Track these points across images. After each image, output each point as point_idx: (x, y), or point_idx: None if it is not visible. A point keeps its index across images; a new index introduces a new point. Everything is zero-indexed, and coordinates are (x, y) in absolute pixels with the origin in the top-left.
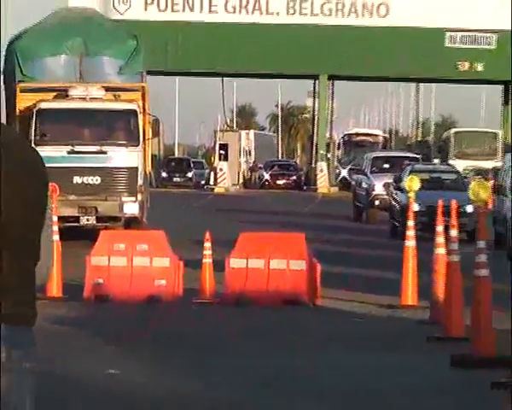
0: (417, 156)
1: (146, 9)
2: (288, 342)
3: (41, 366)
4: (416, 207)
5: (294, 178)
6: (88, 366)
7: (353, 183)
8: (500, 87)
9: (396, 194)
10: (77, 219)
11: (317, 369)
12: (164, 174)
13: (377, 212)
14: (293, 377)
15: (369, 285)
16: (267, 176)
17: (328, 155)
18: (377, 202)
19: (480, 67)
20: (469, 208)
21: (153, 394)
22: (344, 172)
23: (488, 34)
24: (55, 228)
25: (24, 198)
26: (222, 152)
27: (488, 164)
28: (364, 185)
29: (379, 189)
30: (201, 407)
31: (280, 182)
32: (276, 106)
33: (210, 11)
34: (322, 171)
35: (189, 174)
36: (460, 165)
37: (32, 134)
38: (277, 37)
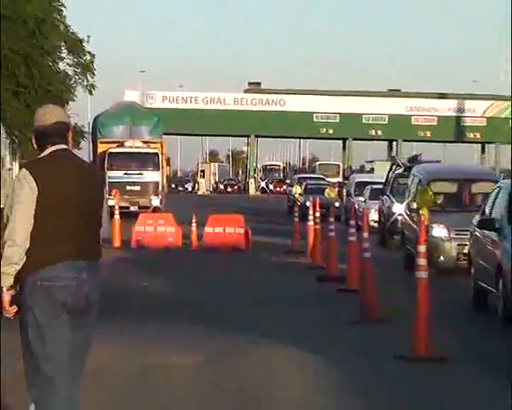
0: (321, 176)
1: (163, 102)
2: (234, 267)
3: (104, 279)
4: (307, 202)
5: (236, 187)
6: (132, 280)
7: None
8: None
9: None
10: (128, 208)
11: (247, 280)
12: (172, 185)
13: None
14: (233, 285)
15: (280, 244)
16: (222, 186)
17: (255, 175)
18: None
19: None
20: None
21: (168, 296)
22: (263, 184)
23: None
24: (117, 213)
25: (92, 196)
26: (201, 174)
27: (335, 179)
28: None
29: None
30: (190, 301)
31: (229, 189)
32: (229, 151)
33: (195, 102)
34: (251, 183)
35: (186, 186)
36: None
37: (106, 164)
38: (230, 117)
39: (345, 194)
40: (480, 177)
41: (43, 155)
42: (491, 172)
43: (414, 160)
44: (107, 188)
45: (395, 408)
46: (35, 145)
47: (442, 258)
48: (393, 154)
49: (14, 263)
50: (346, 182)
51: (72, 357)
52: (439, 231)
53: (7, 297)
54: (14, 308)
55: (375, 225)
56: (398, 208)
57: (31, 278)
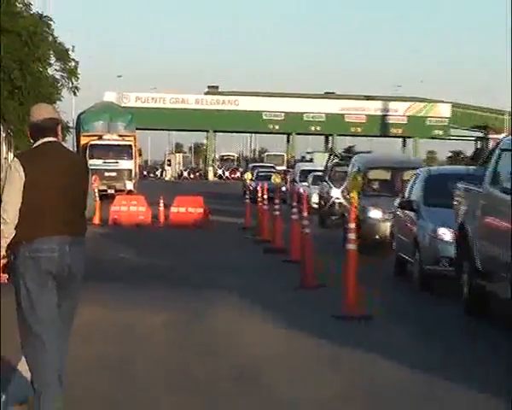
0: (271, 165)
1: (136, 102)
2: (194, 241)
3: (87, 251)
4: (258, 187)
5: (198, 174)
6: (109, 252)
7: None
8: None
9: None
10: (106, 191)
11: (206, 251)
12: (144, 172)
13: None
14: (194, 256)
15: (234, 222)
16: (186, 174)
17: (213, 164)
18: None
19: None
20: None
21: (141, 264)
22: (219, 171)
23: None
24: (97, 195)
25: (77, 181)
26: (168, 162)
27: (281, 168)
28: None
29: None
30: (159, 269)
31: (192, 176)
32: (191, 143)
33: (163, 102)
34: (210, 171)
35: (156, 173)
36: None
37: (87, 154)
38: (192, 115)
39: (289, 180)
40: (409, 165)
41: (34, 145)
42: (419, 161)
43: (349, 151)
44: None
45: (336, 348)
46: (30, 137)
47: (377, 237)
48: (331, 146)
49: (5, 237)
50: (291, 170)
51: (58, 319)
52: (375, 213)
53: (3, 260)
54: (6, 276)
55: (317, 206)
56: (336, 192)
57: (22, 249)
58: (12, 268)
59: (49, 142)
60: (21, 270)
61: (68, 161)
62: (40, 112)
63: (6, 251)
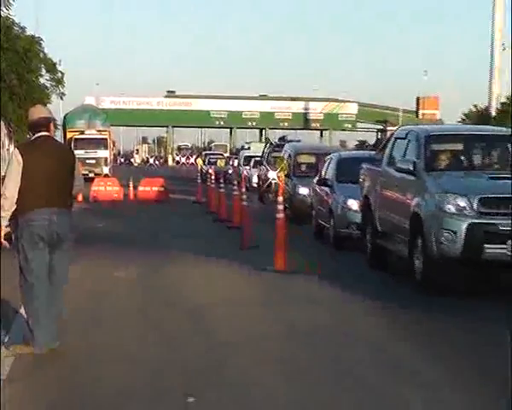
0: (220, 152)
1: (110, 104)
2: (159, 213)
3: (72, 222)
4: (209, 170)
5: (162, 161)
6: (90, 222)
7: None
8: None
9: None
10: (87, 175)
11: (166, 221)
12: (118, 160)
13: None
14: (158, 224)
15: (188, 199)
16: (152, 160)
17: (172, 153)
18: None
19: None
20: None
21: (116, 232)
22: (177, 158)
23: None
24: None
25: (64, 166)
26: (136, 151)
27: (226, 155)
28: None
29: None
30: (130, 235)
31: (157, 162)
32: (155, 137)
33: (131, 104)
34: (170, 158)
35: (128, 160)
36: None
37: (72, 146)
38: (155, 114)
39: (235, 164)
40: (329, 151)
41: (31, 139)
42: (337, 148)
43: (282, 139)
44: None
45: (267, 295)
46: (29, 132)
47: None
48: (267, 136)
49: (6, 210)
50: (232, 156)
51: (50, 272)
52: (303, 190)
53: (2, 232)
54: (6, 243)
55: (256, 186)
56: (272, 174)
57: (20, 218)
58: (16, 233)
59: (43, 136)
60: (19, 235)
61: (58, 151)
62: (36, 112)
63: (9, 222)
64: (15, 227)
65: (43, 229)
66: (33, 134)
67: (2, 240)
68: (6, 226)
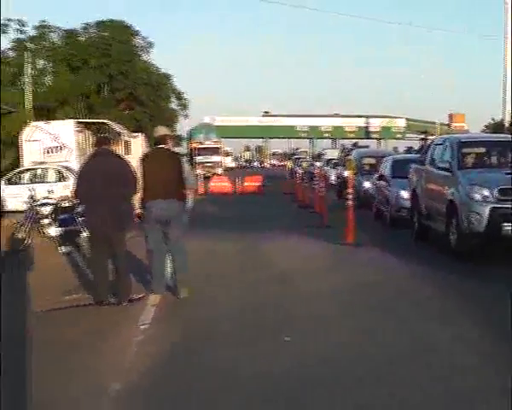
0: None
1: (222, 122)
2: (257, 201)
3: (196, 207)
4: (299, 170)
5: (262, 163)
6: (205, 208)
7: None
8: None
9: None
10: (207, 173)
11: (261, 208)
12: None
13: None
14: (257, 208)
15: (279, 191)
16: (256, 164)
17: (268, 157)
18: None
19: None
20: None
21: (223, 215)
22: (272, 161)
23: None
24: (202, 177)
25: (173, 169)
26: (242, 156)
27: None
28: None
29: (288, 165)
30: (231, 218)
31: (260, 165)
32: (255, 146)
33: (235, 122)
34: (266, 161)
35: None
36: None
37: (194, 154)
38: (256, 129)
39: (317, 165)
40: (385, 155)
41: (151, 150)
42: (391, 153)
43: (354, 145)
44: (196, 164)
45: (338, 265)
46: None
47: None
48: (342, 143)
49: (138, 199)
50: (312, 160)
51: (166, 241)
52: (366, 184)
53: (138, 212)
54: (138, 220)
55: (334, 183)
56: (346, 173)
57: (144, 205)
58: (143, 215)
59: (160, 148)
60: (143, 217)
61: (168, 159)
62: (157, 131)
63: (140, 207)
64: (142, 212)
65: (157, 214)
66: (155, 146)
67: (136, 217)
68: (137, 209)
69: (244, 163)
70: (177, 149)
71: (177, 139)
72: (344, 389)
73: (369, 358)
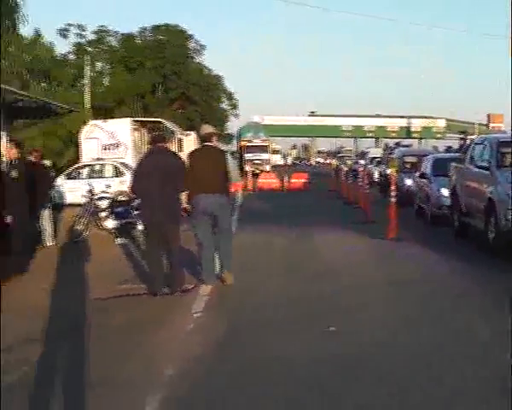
0: (348, 155)
1: (270, 121)
2: (304, 197)
3: (244, 203)
4: (344, 168)
5: (308, 161)
6: (252, 203)
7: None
8: None
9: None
10: (255, 171)
11: (307, 203)
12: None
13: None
14: (303, 204)
15: (325, 188)
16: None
17: (314, 155)
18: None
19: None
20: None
21: (272, 210)
22: (317, 159)
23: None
24: (251, 174)
25: (217, 165)
26: (289, 153)
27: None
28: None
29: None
30: (278, 213)
31: (307, 162)
32: (302, 144)
33: (284, 121)
34: (312, 159)
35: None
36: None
37: (244, 151)
38: (303, 128)
39: (361, 163)
40: (426, 153)
41: (197, 147)
42: (431, 151)
43: (397, 144)
44: (245, 161)
45: (380, 259)
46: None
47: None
48: (385, 142)
49: (184, 196)
50: (356, 158)
51: (216, 231)
52: (408, 181)
53: (186, 206)
54: (185, 214)
55: (377, 180)
56: (389, 171)
57: (192, 200)
58: (191, 209)
59: (205, 145)
60: (192, 210)
61: (213, 155)
62: (204, 129)
63: (187, 202)
64: (190, 206)
65: (204, 207)
66: (201, 143)
67: (185, 211)
68: (187, 204)
69: (294, 161)
70: (226, 147)
71: (228, 138)
72: (394, 369)
73: (412, 348)
